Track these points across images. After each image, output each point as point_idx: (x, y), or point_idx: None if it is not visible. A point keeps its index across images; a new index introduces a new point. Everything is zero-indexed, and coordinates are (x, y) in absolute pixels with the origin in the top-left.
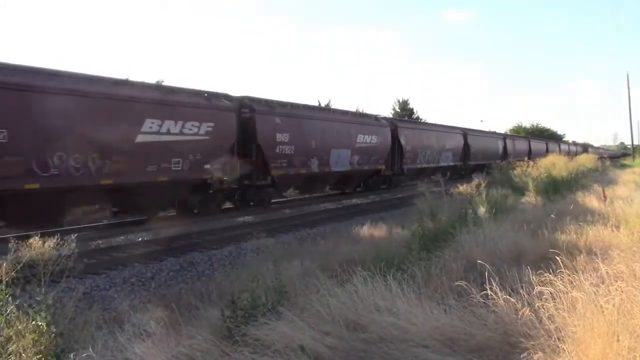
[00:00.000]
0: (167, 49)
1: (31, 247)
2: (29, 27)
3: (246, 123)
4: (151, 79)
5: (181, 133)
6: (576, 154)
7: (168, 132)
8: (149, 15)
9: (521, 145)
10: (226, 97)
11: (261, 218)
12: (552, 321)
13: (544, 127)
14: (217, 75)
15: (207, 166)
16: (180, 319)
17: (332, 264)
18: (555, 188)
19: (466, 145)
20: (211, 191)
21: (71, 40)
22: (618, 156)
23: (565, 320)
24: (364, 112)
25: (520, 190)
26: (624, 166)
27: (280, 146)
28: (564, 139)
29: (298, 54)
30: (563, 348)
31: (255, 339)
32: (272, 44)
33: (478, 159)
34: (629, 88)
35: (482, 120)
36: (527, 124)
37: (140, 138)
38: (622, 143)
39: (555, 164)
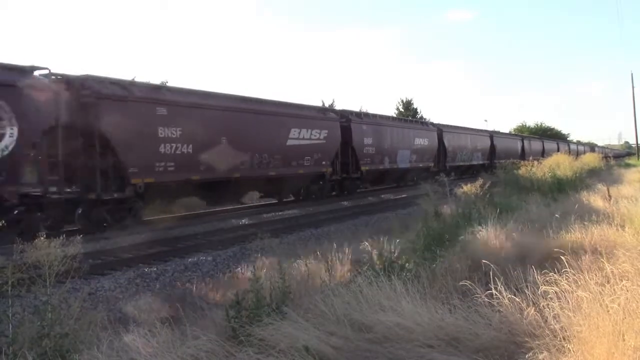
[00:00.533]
0: (167, 49)
1: (37, 248)
2: (27, 27)
3: (344, 130)
4: (154, 80)
5: (310, 138)
6: (584, 152)
7: (303, 138)
8: (149, 14)
9: (536, 145)
10: (332, 110)
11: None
12: (557, 321)
13: (547, 127)
14: (218, 76)
15: (324, 162)
16: (185, 319)
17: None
18: (560, 188)
19: (492, 146)
20: (321, 182)
21: (65, 39)
22: (623, 155)
23: (570, 319)
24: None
25: (526, 190)
26: (628, 165)
27: (366, 147)
28: (568, 139)
29: (300, 54)
30: (568, 348)
31: (259, 339)
32: (273, 45)
33: (502, 157)
34: (633, 87)
35: (485, 120)
36: (530, 123)
37: (289, 142)
38: (626, 142)
39: (559, 163)
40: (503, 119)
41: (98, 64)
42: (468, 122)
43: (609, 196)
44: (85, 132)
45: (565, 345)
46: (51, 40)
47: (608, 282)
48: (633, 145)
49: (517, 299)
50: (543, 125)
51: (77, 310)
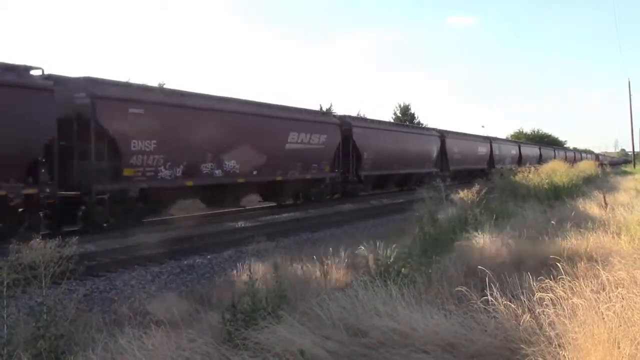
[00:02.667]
0: (167, 51)
1: (32, 249)
2: (27, 27)
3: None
4: (153, 81)
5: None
6: (574, 160)
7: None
8: (149, 15)
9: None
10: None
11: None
12: (552, 327)
13: (544, 133)
14: (218, 78)
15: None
16: (181, 322)
17: None
18: (557, 194)
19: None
20: None
21: (60, 40)
22: (620, 163)
23: (565, 326)
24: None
25: (522, 197)
26: (625, 173)
27: (500, 157)
28: (565, 145)
29: (299, 61)
30: (563, 355)
31: (255, 343)
32: (271, 45)
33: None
34: (630, 95)
35: (483, 126)
36: (527, 129)
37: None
38: (622, 150)
39: (556, 170)
40: (501, 125)
41: (96, 62)
42: (467, 128)
43: (605, 204)
44: None
45: (561, 352)
46: (48, 39)
47: (603, 289)
48: (629, 153)
49: (513, 306)
50: (540, 131)
51: (72, 312)
